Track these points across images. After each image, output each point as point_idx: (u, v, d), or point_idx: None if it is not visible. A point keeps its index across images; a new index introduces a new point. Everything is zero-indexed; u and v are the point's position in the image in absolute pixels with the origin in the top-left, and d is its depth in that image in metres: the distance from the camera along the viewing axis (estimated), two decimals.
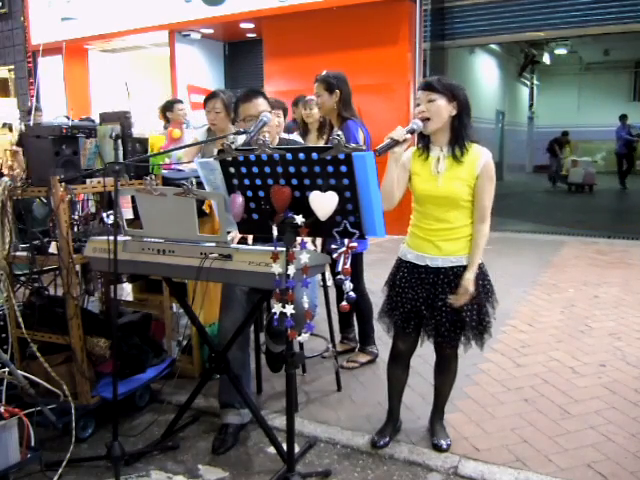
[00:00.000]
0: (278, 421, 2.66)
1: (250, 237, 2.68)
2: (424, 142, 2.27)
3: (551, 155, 13.77)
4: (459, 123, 2.21)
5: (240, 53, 9.64)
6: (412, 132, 2.17)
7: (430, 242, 2.26)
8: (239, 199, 2.04)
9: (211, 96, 3.48)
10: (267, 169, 1.96)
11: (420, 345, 2.39)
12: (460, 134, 2.21)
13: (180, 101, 5.64)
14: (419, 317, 2.30)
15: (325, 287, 3.17)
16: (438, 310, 2.25)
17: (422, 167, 2.25)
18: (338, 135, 1.82)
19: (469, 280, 2.21)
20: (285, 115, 4.14)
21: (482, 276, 2.30)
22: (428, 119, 2.17)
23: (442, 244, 2.24)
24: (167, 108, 5.38)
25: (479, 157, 2.20)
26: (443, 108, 2.17)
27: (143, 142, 2.91)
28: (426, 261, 2.27)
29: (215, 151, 2.12)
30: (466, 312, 2.24)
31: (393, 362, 2.48)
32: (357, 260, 3.17)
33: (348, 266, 1.92)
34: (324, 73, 3.23)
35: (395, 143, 2.10)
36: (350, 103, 3.22)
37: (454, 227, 2.23)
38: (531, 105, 18.20)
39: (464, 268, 2.24)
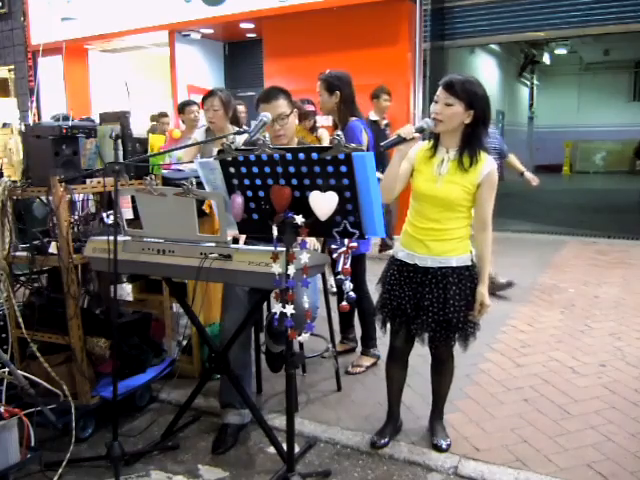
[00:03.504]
0: (278, 421, 2.66)
1: (242, 238, 2.63)
2: (434, 140, 2.25)
3: (639, 159, 10.97)
4: (472, 132, 2.16)
5: (240, 53, 9.63)
6: (421, 131, 2.16)
7: (420, 241, 2.26)
8: (239, 199, 2.04)
9: (209, 94, 3.49)
10: (267, 169, 1.96)
11: (422, 345, 2.39)
12: (471, 143, 2.17)
13: (193, 102, 5.49)
14: (405, 315, 2.31)
15: (325, 287, 3.16)
16: (424, 310, 2.25)
17: (426, 165, 2.24)
18: (338, 135, 1.82)
19: (483, 294, 2.24)
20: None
21: (472, 279, 2.27)
22: (440, 120, 2.15)
23: (431, 244, 2.24)
24: (179, 110, 5.32)
25: (482, 165, 2.17)
26: (458, 115, 2.12)
27: (143, 142, 2.91)
28: (415, 260, 2.28)
29: (215, 151, 2.11)
30: (453, 313, 2.23)
31: (389, 359, 2.50)
32: (360, 261, 3.15)
33: (348, 266, 1.92)
34: (327, 72, 3.21)
35: (402, 140, 2.11)
36: (352, 104, 3.20)
37: (444, 228, 2.22)
38: (531, 105, 18.22)
39: (452, 270, 2.24)
